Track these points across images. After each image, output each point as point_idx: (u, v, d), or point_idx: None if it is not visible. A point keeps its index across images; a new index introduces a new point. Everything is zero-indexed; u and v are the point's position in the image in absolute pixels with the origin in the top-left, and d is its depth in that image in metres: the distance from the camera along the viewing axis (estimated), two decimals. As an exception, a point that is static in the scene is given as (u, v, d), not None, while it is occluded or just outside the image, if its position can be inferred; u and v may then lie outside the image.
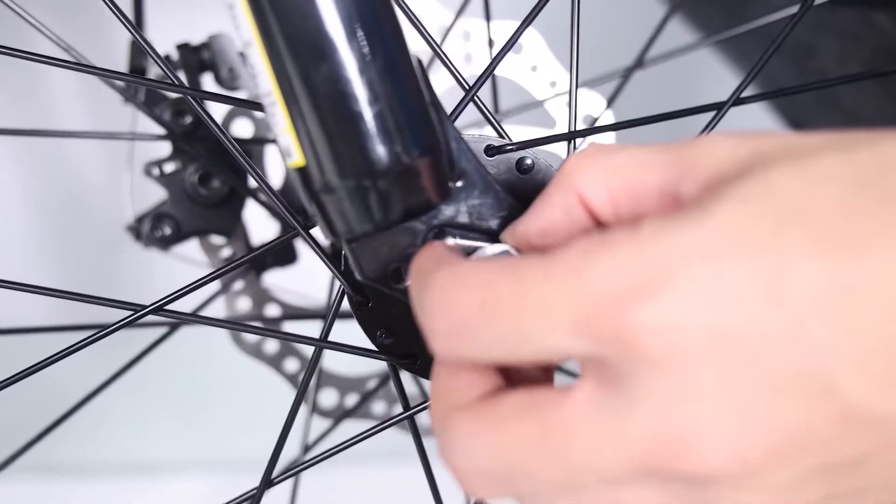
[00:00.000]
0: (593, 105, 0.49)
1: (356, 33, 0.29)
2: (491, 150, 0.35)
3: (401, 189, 0.30)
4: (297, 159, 0.30)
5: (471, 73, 0.51)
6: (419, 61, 0.32)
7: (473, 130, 0.53)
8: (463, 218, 0.33)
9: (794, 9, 0.40)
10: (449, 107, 0.33)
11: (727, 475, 0.24)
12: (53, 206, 0.93)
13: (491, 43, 0.50)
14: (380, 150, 0.29)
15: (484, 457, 0.26)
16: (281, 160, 0.57)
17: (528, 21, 0.39)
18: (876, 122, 0.65)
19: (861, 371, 0.23)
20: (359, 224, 0.31)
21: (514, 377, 0.29)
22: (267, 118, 0.31)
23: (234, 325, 0.36)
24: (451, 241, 0.33)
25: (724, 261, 0.23)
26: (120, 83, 0.51)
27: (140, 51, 0.50)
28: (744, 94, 0.40)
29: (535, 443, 0.26)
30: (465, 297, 0.26)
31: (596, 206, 0.29)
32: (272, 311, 0.56)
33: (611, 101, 0.50)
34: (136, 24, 0.50)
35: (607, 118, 0.49)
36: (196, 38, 0.53)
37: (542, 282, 0.25)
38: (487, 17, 0.50)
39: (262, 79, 0.30)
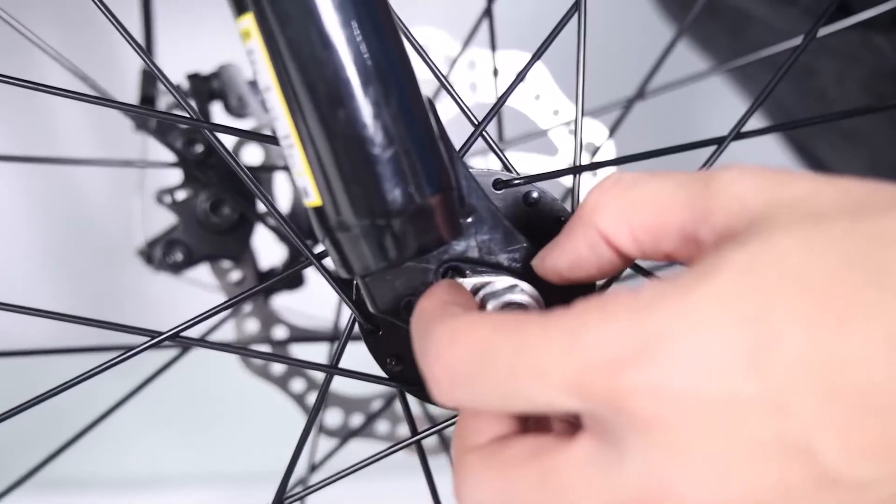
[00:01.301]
0: (596, 134, 0.50)
1: (371, 81, 0.30)
2: (499, 185, 0.36)
3: (414, 227, 0.31)
4: (314, 199, 0.31)
5: (476, 101, 0.52)
6: (430, 101, 0.33)
7: (479, 158, 0.54)
8: (473, 253, 0.34)
9: (797, 40, 0.41)
10: (456, 136, 0.35)
11: None
12: (60, 228, 0.94)
13: (496, 72, 0.51)
14: (394, 191, 0.30)
15: (487, 496, 0.28)
16: (290, 186, 0.58)
17: (537, 55, 0.40)
18: (873, 141, 0.66)
19: (838, 438, 0.24)
20: (373, 261, 0.32)
21: (530, 420, 0.31)
22: (285, 159, 0.32)
23: (249, 352, 0.37)
24: (463, 279, 0.34)
25: (711, 331, 0.25)
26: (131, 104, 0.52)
27: (151, 80, 0.51)
28: (746, 124, 0.41)
29: (534, 487, 0.27)
30: (464, 352, 0.28)
31: (619, 243, 0.30)
32: (280, 333, 0.57)
33: (613, 130, 0.51)
34: (145, 49, 0.51)
35: (610, 146, 0.51)
36: (205, 68, 0.54)
37: (538, 342, 0.26)
38: (493, 47, 0.51)
39: (280, 122, 0.31)
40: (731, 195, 0.27)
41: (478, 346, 0.27)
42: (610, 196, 0.30)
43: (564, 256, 0.31)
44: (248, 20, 0.30)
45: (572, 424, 0.30)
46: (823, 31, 0.42)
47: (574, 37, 0.39)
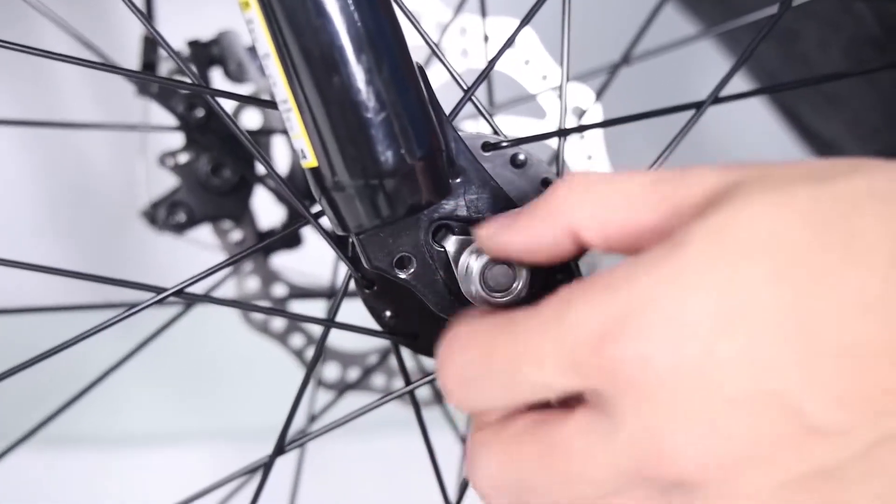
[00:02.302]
0: (583, 98, 0.52)
1: (364, 48, 0.31)
2: (487, 147, 0.38)
3: (405, 187, 0.33)
4: (311, 160, 0.33)
5: (467, 66, 0.54)
6: (420, 67, 0.35)
7: (471, 122, 0.56)
8: (462, 211, 0.36)
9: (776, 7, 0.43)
10: (447, 100, 0.36)
11: (703, 480, 0.27)
12: (62, 190, 0.95)
13: (486, 39, 0.53)
14: (386, 153, 0.32)
15: (497, 471, 0.31)
16: (288, 149, 0.60)
17: (525, 20, 0.42)
18: (852, 103, 0.68)
19: (816, 391, 0.26)
20: (367, 219, 0.34)
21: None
22: (283, 122, 0.34)
23: (251, 306, 0.39)
24: (452, 237, 0.36)
25: (686, 296, 0.26)
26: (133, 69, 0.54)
27: (152, 46, 0.53)
28: (728, 89, 0.43)
29: (538, 458, 0.30)
30: (466, 357, 0.31)
31: (588, 239, 0.31)
32: (279, 290, 0.59)
33: (599, 94, 0.52)
34: (146, 15, 0.53)
35: (596, 110, 0.52)
36: (205, 34, 0.56)
37: (530, 331, 0.29)
38: (483, 14, 0.52)
39: (278, 88, 0.32)
40: (702, 188, 0.29)
41: (478, 349, 0.30)
42: (583, 194, 0.31)
43: (522, 241, 0.32)
44: (248, -10, 0.32)
45: (573, 402, 0.31)
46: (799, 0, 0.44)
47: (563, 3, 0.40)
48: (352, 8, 0.31)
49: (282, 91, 0.32)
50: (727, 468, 0.27)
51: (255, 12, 0.32)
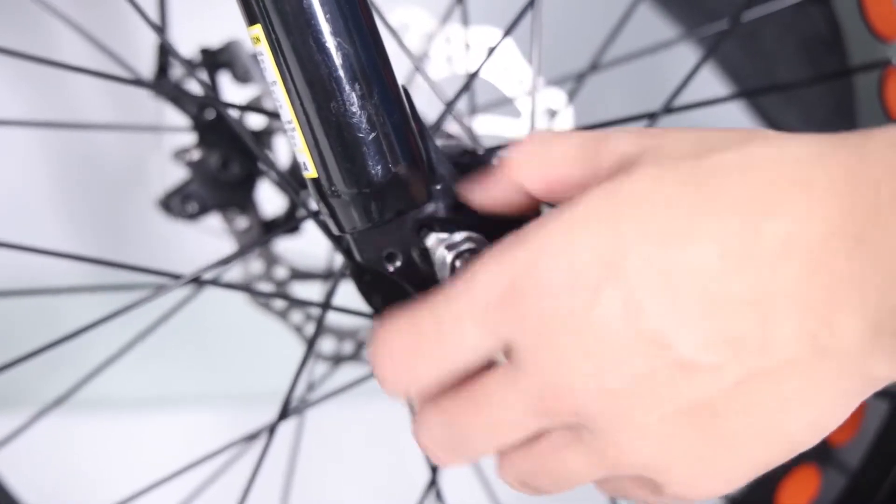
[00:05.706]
0: (555, 101, 0.57)
1: (357, 78, 0.37)
2: (465, 155, 0.44)
3: (392, 195, 0.38)
4: (312, 172, 0.39)
5: (451, 71, 0.59)
6: (405, 90, 0.40)
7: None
8: (441, 213, 0.41)
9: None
10: (435, 104, 0.40)
11: (595, 413, 0.31)
12: (79, 181, 0.99)
13: (468, 46, 0.58)
14: (377, 167, 0.38)
15: (436, 428, 0.35)
16: (288, 146, 0.65)
17: (506, 33, 0.47)
18: (804, 98, 0.73)
19: (687, 332, 0.30)
20: (360, 221, 0.39)
21: None
22: (287, 139, 0.39)
23: (258, 292, 0.44)
24: (431, 234, 0.41)
25: (568, 253, 0.31)
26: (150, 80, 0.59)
27: (165, 52, 0.58)
28: (699, 89, 0.48)
29: (468, 410, 0.34)
30: (394, 347, 0.34)
31: (535, 193, 0.36)
32: (281, 272, 0.65)
33: (571, 98, 0.58)
34: (161, 27, 0.58)
35: (568, 112, 0.58)
36: (215, 39, 0.61)
37: (449, 304, 0.33)
38: (465, 23, 0.58)
39: (283, 111, 0.38)
40: (616, 153, 0.33)
41: (405, 337, 0.33)
42: (531, 154, 0.35)
43: (484, 197, 0.38)
44: (258, 29, 0.37)
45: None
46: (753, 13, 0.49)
47: (545, 14, 0.45)
48: (347, 45, 0.37)
49: (287, 113, 0.38)
50: (614, 401, 0.31)
51: (265, 47, 0.37)
